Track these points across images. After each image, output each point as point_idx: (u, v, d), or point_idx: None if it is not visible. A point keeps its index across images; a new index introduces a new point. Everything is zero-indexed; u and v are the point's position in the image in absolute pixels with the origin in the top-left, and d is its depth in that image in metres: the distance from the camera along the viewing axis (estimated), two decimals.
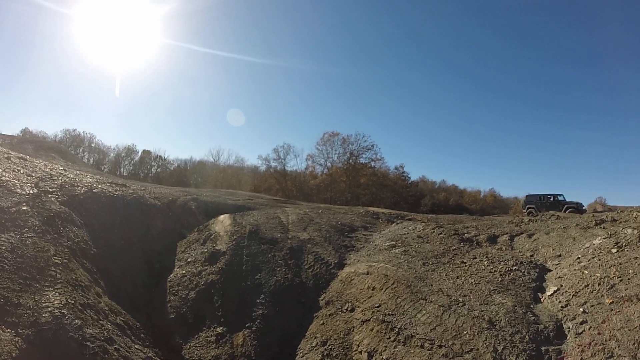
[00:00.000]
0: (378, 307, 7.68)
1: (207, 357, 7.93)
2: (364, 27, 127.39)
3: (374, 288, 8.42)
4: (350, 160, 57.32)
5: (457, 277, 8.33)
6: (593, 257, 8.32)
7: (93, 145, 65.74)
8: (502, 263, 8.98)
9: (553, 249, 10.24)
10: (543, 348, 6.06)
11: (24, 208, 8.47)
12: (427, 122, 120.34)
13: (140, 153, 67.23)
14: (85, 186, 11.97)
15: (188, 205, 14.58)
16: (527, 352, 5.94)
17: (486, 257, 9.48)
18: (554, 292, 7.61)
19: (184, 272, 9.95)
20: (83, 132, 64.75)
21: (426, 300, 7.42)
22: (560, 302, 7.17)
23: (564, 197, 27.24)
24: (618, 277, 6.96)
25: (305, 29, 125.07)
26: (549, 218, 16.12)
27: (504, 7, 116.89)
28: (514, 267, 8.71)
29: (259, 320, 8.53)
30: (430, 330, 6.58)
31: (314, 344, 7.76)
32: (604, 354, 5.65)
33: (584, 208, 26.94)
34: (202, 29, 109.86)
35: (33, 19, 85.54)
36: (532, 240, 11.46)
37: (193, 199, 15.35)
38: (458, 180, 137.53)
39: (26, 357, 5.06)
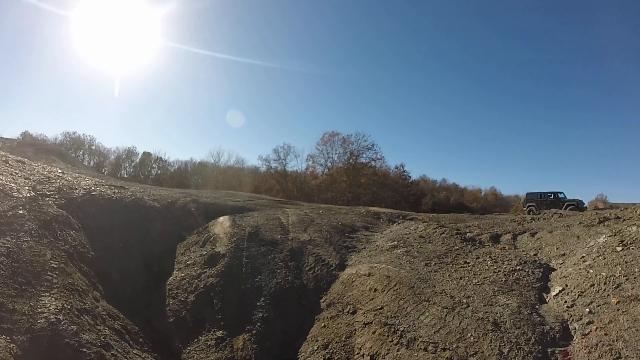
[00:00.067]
0: (380, 309, 7.54)
1: None
2: (363, 27, 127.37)
3: (375, 290, 8.28)
4: (351, 160, 57.17)
5: (461, 278, 8.19)
6: (598, 256, 8.20)
7: (93, 147, 65.70)
8: (505, 263, 8.85)
9: (557, 248, 10.11)
10: (549, 349, 5.93)
11: (21, 212, 8.36)
12: (427, 121, 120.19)
13: (140, 155, 67.14)
14: (84, 189, 11.86)
15: (188, 207, 14.47)
16: (533, 354, 5.81)
17: (489, 256, 9.34)
18: (559, 292, 7.48)
19: (183, 274, 9.83)
20: (83, 134, 64.70)
21: (429, 301, 7.29)
22: (565, 302, 7.04)
23: (564, 194, 27.16)
24: (624, 276, 6.84)
25: (305, 29, 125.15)
26: (552, 216, 16.00)
27: (503, 6, 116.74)
28: (517, 267, 8.58)
29: (259, 324, 8.41)
30: (434, 333, 6.45)
31: (315, 347, 7.63)
32: (611, 355, 5.52)
33: (584, 205, 26.89)
34: (201, 30, 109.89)
35: (32, 21, 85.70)
36: (536, 239, 11.33)
37: (193, 201, 15.24)
38: (459, 179, 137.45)
39: None
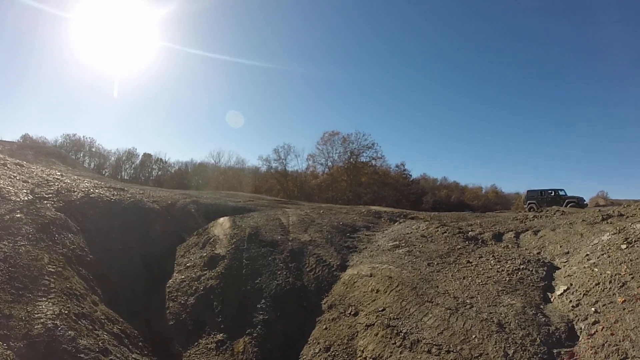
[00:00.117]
0: (382, 310, 7.43)
1: None
2: (362, 26, 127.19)
3: (377, 291, 8.17)
4: (351, 159, 57.16)
5: (464, 278, 8.08)
6: (602, 254, 8.09)
7: (93, 149, 65.86)
8: (509, 262, 8.74)
9: (560, 246, 10.00)
10: (555, 350, 5.83)
11: (18, 215, 8.27)
12: (427, 119, 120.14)
13: (140, 156, 67.25)
14: (82, 191, 11.77)
15: (187, 208, 14.39)
16: (539, 355, 5.70)
17: (492, 255, 9.23)
18: (564, 291, 7.37)
19: (183, 277, 9.73)
20: (83, 136, 64.90)
21: (432, 302, 7.18)
22: (570, 301, 6.93)
23: (565, 191, 27.18)
24: (629, 275, 6.73)
25: (304, 30, 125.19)
26: (554, 214, 15.89)
27: (502, 4, 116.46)
28: (521, 266, 8.47)
29: (259, 326, 8.30)
30: (438, 335, 6.34)
31: (316, 350, 7.52)
32: (618, 355, 5.42)
33: (585, 202, 26.94)
34: (201, 31, 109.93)
35: (31, 23, 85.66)
36: (539, 237, 11.23)
37: (193, 202, 15.15)
38: (459, 177, 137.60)
39: None
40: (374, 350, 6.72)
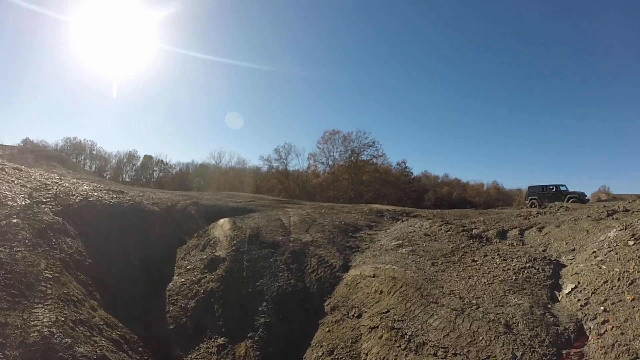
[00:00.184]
0: (386, 312, 7.26)
1: None
2: (361, 26, 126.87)
3: (381, 292, 8.01)
4: (352, 158, 57.08)
5: (469, 277, 7.91)
6: (610, 251, 7.93)
7: (94, 152, 65.91)
8: (514, 260, 8.57)
9: (566, 243, 9.84)
10: (564, 351, 5.67)
11: (15, 220, 8.14)
12: (428, 116, 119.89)
13: (141, 158, 67.25)
14: (81, 195, 11.64)
15: (188, 210, 14.25)
16: (548, 357, 5.55)
17: (497, 254, 9.07)
18: (572, 289, 7.21)
19: (183, 280, 9.59)
20: (84, 139, 64.97)
21: (437, 303, 7.01)
22: (579, 300, 6.77)
23: (566, 187, 27.01)
24: (638, 272, 6.57)
25: (304, 31, 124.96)
26: (558, 210, 15.71)
27: (502, 2, 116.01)
28: (527, 264, 8.30)
29: (261, 330, 8.14)
30: (444, 337, 6.17)
31: (320, 354, 7.36)
32: (629, 355, 5.28)
33: (586, 198, 26.83)
34: (200, 33, 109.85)
35: (30, 26, 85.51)
36: (544, 234, 11.07)
37: (193, 203, 15.02)
38: (460, 173, 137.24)
39: None
40: (378, 353, 6.56)
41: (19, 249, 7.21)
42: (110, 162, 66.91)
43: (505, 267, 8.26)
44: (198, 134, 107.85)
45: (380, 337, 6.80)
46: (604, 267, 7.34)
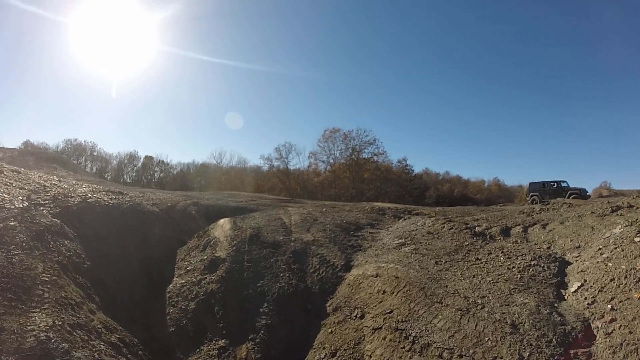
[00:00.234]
0: (390, 312, 7.13)
1: None
2: (361, 25, 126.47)
3: (384, 292, 7.88)
4: (353, 156, 56.91)
5: (474, 276, 7.78)
6: (615, 248, 7.80)
7: (95, 153, 65.82)
8: (519, 258, 8.44)
9: (571, 240, 9.70)
10: (572, 351, 5.55)
11: (12, 223, 8.03)
12: (428, 114, 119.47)
13: (142, 159, 67.16)
14: (79, 196, 11.53)
15: (188, 210, 14.14)
16: (555, 357, 5.43)
17: (502, 251, 8.94)
18: (578, 287, 7.08)
19: (183, 281, 9.48)
20: (84, 141, 64.82)
21: (442, 303, 6.88)
22: (586, 298, 6.65)
23: (567, 183, 26.85)
24: None
25: (303, 30, 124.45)
26: (561, 206, 15.56)
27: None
28: (532, 262, 8.17)
29: (262, 331, 8.02)
30: (449, 338, 6.05)
31: (322, 355, 7.23)
32: (637, 354, 5.17)
33: (587, 194, 26.72)
34: (199, 34, 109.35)
35: (29, 28, 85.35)
36: (547, 231, 10.93)
37: (193, 203, 14.91)
38: (462, 170, 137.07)
39: None
40: (382, 355, 6.43)
41: (16, 252, 7.10)
42: (111, 163, 66.88)
43: (510, 265, 8.13)
44: (198, 134, 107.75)
45: (384, 338, 6.68)
46: (610, 264, 7.22)
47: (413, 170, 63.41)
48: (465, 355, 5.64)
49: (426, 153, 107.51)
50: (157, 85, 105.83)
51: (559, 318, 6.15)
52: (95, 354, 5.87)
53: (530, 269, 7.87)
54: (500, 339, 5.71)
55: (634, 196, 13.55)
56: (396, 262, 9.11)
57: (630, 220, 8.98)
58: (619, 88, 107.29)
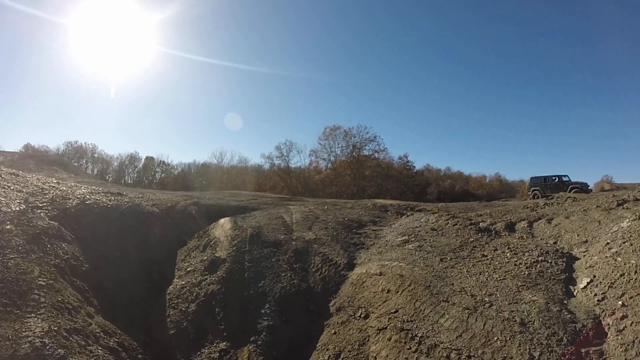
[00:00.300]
0: (395, 312, 6.95)
1: None
2: (360, 22, 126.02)
3: (388, 291, 7.69)
4: (354, 153, 56.82)
5: (480, 273, 7.60)
6: (624, 242, 7.62)
7: (96, 155, 65.88)
8: (526, 254, 8.25)
9: (578, 235, 9.51)
10: (583, 350, 5.37)
11: (8, 227, 7.88)
12: (428, 110, 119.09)
13: (143, 160, 67.15)
14: (78, 198, 11.38)
15: (188, 210, 13.99)
16: (567, 356, 5.25)
17: (508, 247, 8.75)
18: (588, 284, 6.90)
19: (183, 282, 9.32)
20: (85, 143, 64.98)
21: (448, 302, 6.70)
22: (595, 295, 6.47)
23: (568, 177, 26.67)
24: None
25: (303, 29, 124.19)
26: (565, 200, 15.36)
27: None
28: (539, 258, 7.99)
29: (264, 333, 7.84)
30: (456, 338, 5.87)
31: (326, 357, 7.05)
32: None
33: (589, 188, 26.54)
34: (199, 35, 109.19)
35: (28, 30, 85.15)
36: (553, 226, 10.73)
37: (194, 203, 14.76)
38: (463, 166, 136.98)
39: None
40: (387, 356, 6.25)
41: (11, 256, 6.95)
42: (112, 164, 66.89)
43: (516, 261, 7.95)
44: (199, 134, 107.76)
45: (389, 339, 6.50)
46: (620, 259, 7.04)
47: (414, 167, 63.33)
48: (473, 356, 5.46)
49: (427, 149, 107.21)
50: (156, 86, 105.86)
51: (569, 315, 5.97)
52: (93, 359, 5.71)
53: (538, 265, 7.69)
54: (510, 338, 5.54)
55: (639, 189, 13.36)
56: (400, 259, 8.92)
57: (637, 213, 8.81)
58: (619, 82, 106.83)
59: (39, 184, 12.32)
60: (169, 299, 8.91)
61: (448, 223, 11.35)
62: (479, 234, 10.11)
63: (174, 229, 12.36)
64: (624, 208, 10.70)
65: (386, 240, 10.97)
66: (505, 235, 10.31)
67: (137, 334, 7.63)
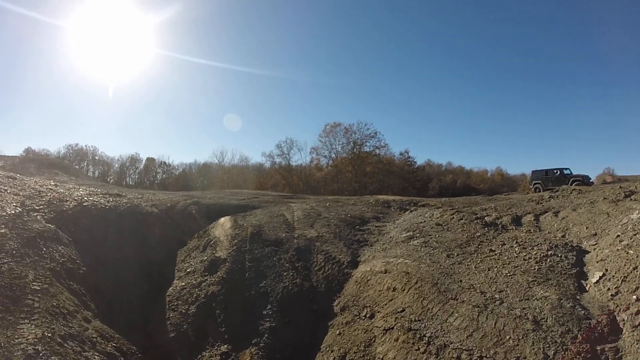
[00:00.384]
0: (401, 311, 6.71)
1: None
2: (360, 18, 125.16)
3: (394, 289, 7.45)
4: (355, 150, 56.45)
5: (489, 269, 7.35)
6: (635, 234, 7.38)
7: (97, 157, 65.80)
8: (535, 248, 8.01)
9: (586, 228, 9.26)
10: (598, 347, 5.14)
11: (2, 231, 7.68)
12: (429, 105, 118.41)
13: (144, 161, 67.06)
14: (75, 200, 11.18)
15: (188, 210, 13.77)
16: (582, 354, 5.02)
17: (516, 242, 8.50)
18: (600, 278, 6.66)
19: (183, 284, 9.09)
20: (86, 145, 64.87)
21: (457, 300, 6.45)
22: (609, 289, 6.23)
23: (570, 170, 26.46)
24: None
25: (302, 29, 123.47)
26: (571, 193, 15.09)
27: None
28: (549, 252, 7.74)
29: (266, 335, 7.60)
30: (467, 337, 5.63)
31: (330, 359, 6.83)
32: None
33: (590, 180, 26.36)
34: (198, 37, 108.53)
35: (27, 32, 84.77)
36: (560, 219, 10.48)
37: (194, 203, 14.54)
38: (464, 161, 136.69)
39: None
40: (394, 358, 6.01)
41: (5, 260, 6.75)
42: (113, 166, 66.79)
43: (525, 256, 7.71)
44: (199, 134, 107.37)
45: (396, 340, 6.26)
46: (632, 252, 6.81)
47: (415, 162, 62.98)
48: (485, 356, 5.23)
49: (428, 144, 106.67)
50: (156, 87, 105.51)
51: (582, 311, 5.74)
52: None
53: (548, 260, 7.44)
54: (523, 337, 5.30)
55: None
56: (405, 256, 8.68)
57: None
58: (621, 75, 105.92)
59: (36, 186, 12.11)
60: (168, 300, 8.69)
61: (453, 218, 11.10)
62: (486, 229, 9.86)
63: (174, 230, 12.15)
64: (632, 199, 10.45)
65: (390, 237, 10.73)
66: (512, 229, 10.06)
67: (136, 338, 7.43)
